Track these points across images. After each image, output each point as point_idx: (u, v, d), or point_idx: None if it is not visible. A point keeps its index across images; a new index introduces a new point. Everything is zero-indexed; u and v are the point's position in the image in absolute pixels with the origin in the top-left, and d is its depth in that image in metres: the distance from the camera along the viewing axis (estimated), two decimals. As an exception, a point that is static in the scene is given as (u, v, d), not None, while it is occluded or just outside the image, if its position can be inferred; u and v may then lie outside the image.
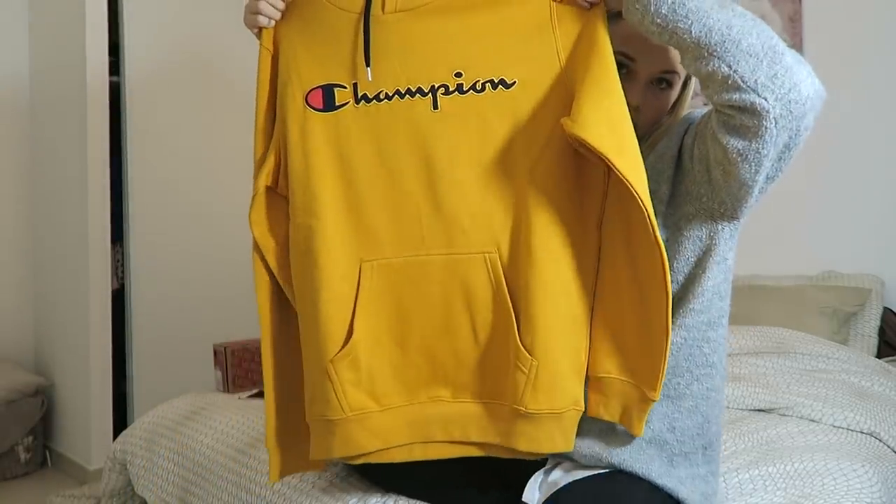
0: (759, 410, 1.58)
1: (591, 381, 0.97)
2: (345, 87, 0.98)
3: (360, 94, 0.98)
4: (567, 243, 0.94)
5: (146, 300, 2.79)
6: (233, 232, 3.07)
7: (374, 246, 0.98)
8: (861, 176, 2.37)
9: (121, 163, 2.77)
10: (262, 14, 1.01)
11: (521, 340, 0.93)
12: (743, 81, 0.83)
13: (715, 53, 0.84)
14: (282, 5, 1.01)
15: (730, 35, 0.83)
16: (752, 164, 0.87)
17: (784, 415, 1.53)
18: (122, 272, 2.81)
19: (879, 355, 2.14)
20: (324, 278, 0.97)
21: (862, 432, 1.45)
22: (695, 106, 1.18)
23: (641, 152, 0.90)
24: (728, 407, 1.60)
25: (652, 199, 0.90)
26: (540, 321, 0.92)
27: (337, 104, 0.98)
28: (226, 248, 3.05)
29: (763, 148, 0.85)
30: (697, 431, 1.01)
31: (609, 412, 0.96)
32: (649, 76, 1.03)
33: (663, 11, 0.85)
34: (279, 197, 1.09)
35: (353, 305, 0.97)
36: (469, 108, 0.95)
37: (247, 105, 3.42)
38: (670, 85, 1.05)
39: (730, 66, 0.83)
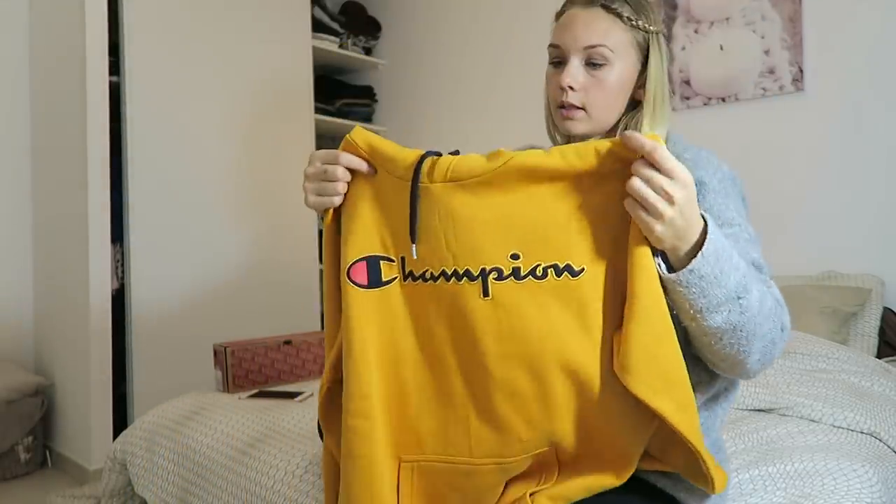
0: (759, 410, 1.58)
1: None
2: (393, 261, 0.86)
3: (407, 271, 0.86)
4: (629, 441, 0.84)
5: (146, 300, 2.79)
6: (233, 232, 3.07)
7: (414, 444, 0.86)
8: (861, 176, 2.37)
9: (121, 163, 2.77)
10: (329, 196, 0.91)
11: None
12: (744, 364, 0.85)
13: (731, 345, 0.83)
14: (345, 183, 0.90)
15: (755, 335, 0.82)
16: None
17: (784, 415, 1.53)
18: (122, 272, 2.81)
19: (879, 355, 2.14)
20: (364, 479, 0.85)
21: (862, 432, 1.45)
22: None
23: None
24: (728, 407, 1.60)
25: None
26: None
27: (383, 280, 0.86)
28: (226, 248, 3.05)
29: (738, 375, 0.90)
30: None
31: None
32: (578, 56, 1.04)
33: (699, 304, 0.79)
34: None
35: None
36: (526, 297, 0.80)
37: (246, 105, 3.42)
38: (606, 61, 1.03)
39: (743, 359, 0.84)
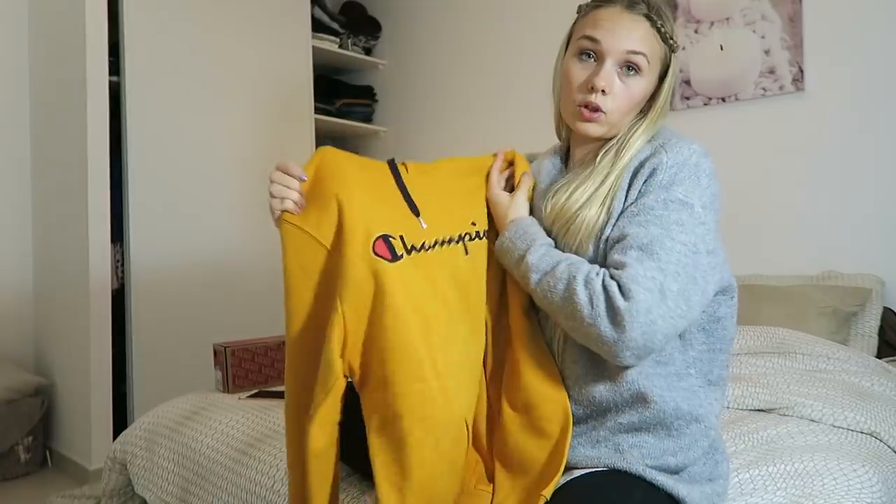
0: (759, 410, 1.58)
1: None
2: (396, 238, 1.01)
3: (409, 245, 1.02)
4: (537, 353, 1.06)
5: (146, 300, 2.79)
6: (233, 232, 3.07)
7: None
8: (861, 176, 2.37)
9: (121, 163, 2.77)
10: (291, 200, 1.03)
11: None
12: (567, 326, 0.96)
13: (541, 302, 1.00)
14: (297, 192, 1.04)
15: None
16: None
17: (784, 415, 1.53)
18: (122, 272, 2.81)
19: (879, 355, 2.14)
20: (430, 440, 0.96)
21: (862, 432, 1.45)
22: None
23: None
24: (728, 407, 1.60)
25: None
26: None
27: (398, 254, 1.00)
28: (226, 248, 3.05)
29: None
30: (696, 456, 1.03)
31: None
32: (616, 58, 1.03)
33: (507, 261, 1.06)
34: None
35: None
36: (485, 251, 1.09)
37: (245, 104, 3.42)
38: (639, 70, 1.04)
39: (557, 318, 0.99)
